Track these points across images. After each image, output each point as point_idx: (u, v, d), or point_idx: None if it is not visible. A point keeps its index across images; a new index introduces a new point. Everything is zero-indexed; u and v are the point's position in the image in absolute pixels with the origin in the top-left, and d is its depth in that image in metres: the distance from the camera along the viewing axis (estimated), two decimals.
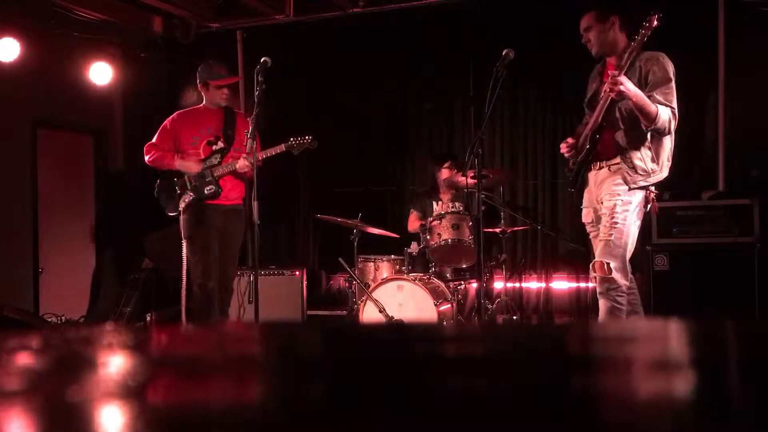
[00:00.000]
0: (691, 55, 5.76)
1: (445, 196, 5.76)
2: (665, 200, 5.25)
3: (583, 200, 3.81)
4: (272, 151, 4.58)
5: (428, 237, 5.10)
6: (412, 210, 5.91)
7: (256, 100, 4.18)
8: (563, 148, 3.81)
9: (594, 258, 3.67)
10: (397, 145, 6.81)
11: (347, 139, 6.91)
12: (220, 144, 4.72)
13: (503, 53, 3.67)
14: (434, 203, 5.75)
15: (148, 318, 6.35)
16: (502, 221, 5.42)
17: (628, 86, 3.38)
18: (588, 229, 3.83)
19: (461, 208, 5.16)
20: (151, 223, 4.87)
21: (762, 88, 5.63)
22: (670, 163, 3.65)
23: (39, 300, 6.50)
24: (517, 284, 6.17)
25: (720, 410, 0.58)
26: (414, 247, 5.28)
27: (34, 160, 6.54)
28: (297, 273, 5.88)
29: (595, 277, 3.63)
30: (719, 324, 1.04)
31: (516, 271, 6.16)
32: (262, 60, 4.14)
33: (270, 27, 6.76)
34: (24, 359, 0.87)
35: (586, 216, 3.79)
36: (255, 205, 4.11)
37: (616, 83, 3.36)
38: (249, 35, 6.98)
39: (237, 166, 4.57)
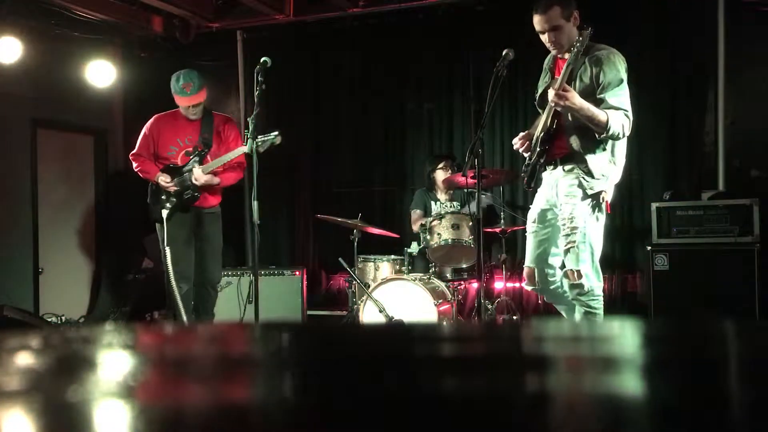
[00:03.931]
0: (691, 55, 5.77)
1: (443, 196, 5.76)
2: (665, 200, 5.26)
3: (535, 198, 3.71)
4: (227, 158, 4.59)
5: (428, 237, 5.10)
6: (413, 209, 5.90)
7: (255, 100, 4.17)
8: (517, 144, 3.66)
9: (525, 259, 3.67)
10: (397, 145, 6.81)
11: (347, 138, 6.91)
12: (197, 149, 4.76)
13: (503, 53, 3.64)
14: (433, 203, 5.75)
15: (148, 318, 6.35)
16: (502, 221, 5.42)
17: (575, 101, 3.25)
18: (528, 226, 3.72)
19: (460, 208, 5.17)
20: (151, 223, 4.88)
21: (762, 89, 5.63)
22: (624, 161, 3.52)
23: (39, 300, 6.50)
24: (517, 284, 6.17)
25: (719, 411, 0.58)
26: (414, 248, 5.28)
27: (34, 160, 6.54)
28: (297, 273, 5.89)
29: (525, 285, 3.65)
30: (719, 324, 1.04)
31: (516, 271, 6.15)
32: (262, 60, 4.14)
33: (270, 27, 6.76)
34: (24, 359, 0.87)
35: (531, 213, 3.70)
36: (255, 205, 4.11)
37: (561, 98, 3.24)
38: (249, 35, 6.98)
39: (201, 183, 4.60)
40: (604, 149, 3.43)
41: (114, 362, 0.86)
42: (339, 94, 6.97)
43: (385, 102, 6.80)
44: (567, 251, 3.47)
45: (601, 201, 3.46)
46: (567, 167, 3.48)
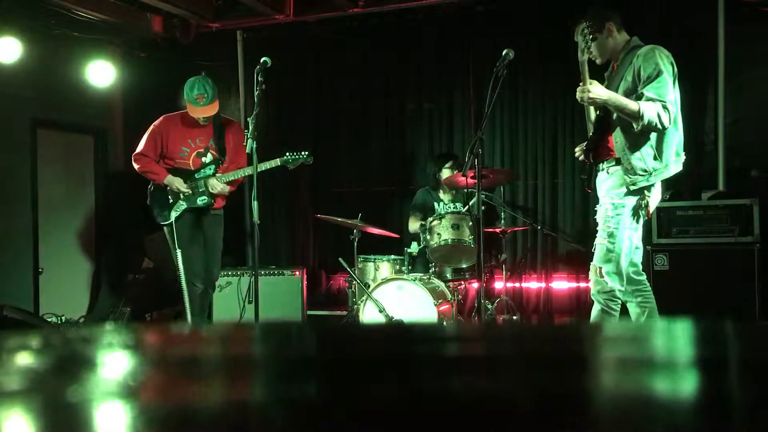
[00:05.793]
0: (691, 54, 5.77)
1: (446, 197, 5.76)
2: (665, 200, 5.25)
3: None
4: (266, 165, 4.64)
5: (428, 237, 5.10)
6: (412, 213, 5.89)
7: (255, 100, 4.17)
8: (577, 152, 3.78)
9: (593, 260, 3.67)
10: (397, 145, 6.81)
11: (347, 139, 6.91)
12: (212, 155, 4.80)
13: (503, 53, 3.65)
14: (435, 204, 5.74)
15: (148, 318, 6.35)
16: (502, 221, 5.42)
17: (598, 92, 3.38)
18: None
19: (462, 209, 5.16)
20: (151, 223, 4.90)
21: (762, 88, 5.63)
22: (682, 157, 3.54)
23: (39, 300, 6.50)
24: (517, 284, 6.17)
25: (720, 411, 0.58)
26: (414, 248, 5.28)
27: (34, 160, 6.54)
28: (297, 273, 5.88)
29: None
30: (719, 324, 1.04)
31: (516, 271, 6.16)
32: (262, 60, 4.14)
33: (270, 27, 6.76)
34: (24, 359, 0.87)
35: (597, 218, 3.74)
36: (255, 205, 4.11)
37: (584, 92, 3.38)
38: (249, 35, 6.98)
39: (216, 191, 4.74)
40: (648, 144, 3.45)
41: (114, 362, 0.86)
42: (339, 94, 6.97)
43: (385, 102, 6.80)
44: (599, 246, 3.52)
45: (641, 202, 3.46)
46: (613, 166, 3.53)
